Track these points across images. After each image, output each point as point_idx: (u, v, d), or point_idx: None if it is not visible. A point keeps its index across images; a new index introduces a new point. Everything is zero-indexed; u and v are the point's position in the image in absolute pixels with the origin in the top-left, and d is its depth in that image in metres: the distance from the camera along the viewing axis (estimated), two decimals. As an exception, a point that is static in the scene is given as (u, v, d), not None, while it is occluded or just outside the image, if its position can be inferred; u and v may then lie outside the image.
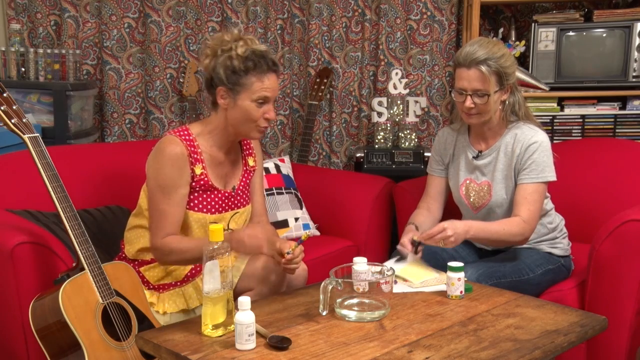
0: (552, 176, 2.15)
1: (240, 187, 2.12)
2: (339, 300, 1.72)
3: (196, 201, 2.01)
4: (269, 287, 2.00)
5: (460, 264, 1.85)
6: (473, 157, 2.26)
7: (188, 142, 1.98)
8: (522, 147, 2.15)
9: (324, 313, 1.70)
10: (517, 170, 2.18)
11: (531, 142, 2.14)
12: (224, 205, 2.06)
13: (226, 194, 2.07)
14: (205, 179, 2.01)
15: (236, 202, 2.10)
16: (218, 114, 2.02)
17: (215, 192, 2.04)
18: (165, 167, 1.95)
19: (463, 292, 1.85)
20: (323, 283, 1.69)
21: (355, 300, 1.74)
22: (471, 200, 2.27)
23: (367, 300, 1.73)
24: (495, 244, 2.17)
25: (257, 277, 2.01)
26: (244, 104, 1.95)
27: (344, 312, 1.71)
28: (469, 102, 2.11)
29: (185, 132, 2.01)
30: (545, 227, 2.26)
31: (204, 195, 2.02)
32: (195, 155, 1.99)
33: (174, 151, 1.95)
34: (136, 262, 2.09)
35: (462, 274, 1.84)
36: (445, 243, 1.98)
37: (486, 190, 2.23)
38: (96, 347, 1.74)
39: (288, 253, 1.91)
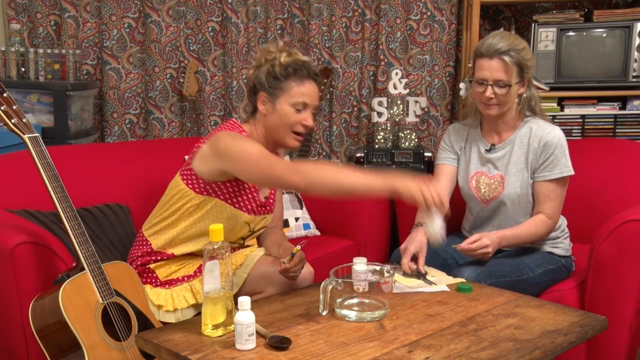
0: (571, 170, 2.18)
1: (271, 196, 2.18)
2: (339, 300, 1.72)
3: (239, 198, 2.04)
4: (278, 290, 2.00)
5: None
6: (486, 150, 2.27)
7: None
8: (540, 142, 2.17)
9: (324, 313, 1.70)
10: (533, 165, 2.19)
11: (549, 137, 2.17)
12: (257, 209, 2.10)
13: (260, 202, 2.11)
14: None
15: (266, 209, 2.15)
16: (257, 121, 2.07)
17: (255, 195, 2.08)
18: (243, 138, 1.96)
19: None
20: (323, 283, 1.69)
21: (355, 300, 1.73)
22: (481, 192, 2.27)
23: (367, 300, 1.73)
24: (522, 245, 2.21)
25: (267, 279, 2.01)
26: (283, 108, 1.99)
27: (344, 312, 1.71)
28: (489, 92, 2.13)
29: (240, 129, 2.05)
30: None
31: (250, 195, 2.06)
32: None
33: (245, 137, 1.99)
34: (153, 257, 2.09)
35: None
36: (482, 254, 2.06)
37: (498, 183, 2.23)
38: (96, 347, 1.74)
39: (283, 263, 1.92)
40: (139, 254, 2.12)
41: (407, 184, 1.76)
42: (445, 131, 2.46)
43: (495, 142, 2.27)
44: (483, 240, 2.06)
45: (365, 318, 1.70)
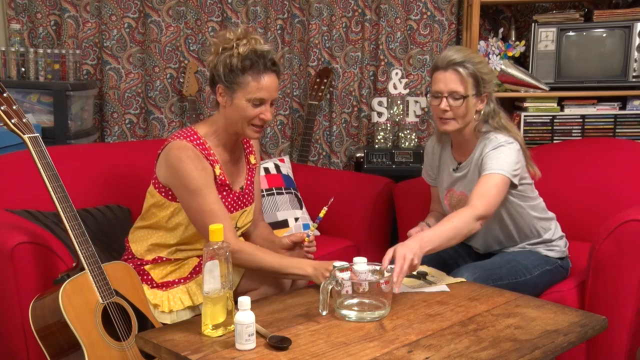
0: (504, 171, 2.01)
1: (247, 186, 2.15)
2: (339, 300, 1.72)
3: None
4: (274, 287, 2.00)
5: (345, 264, 1.81)
6: (453, 170, 2.25)
7: (199, 145, 1.99)
8: (482, 157, 2.09)
9: (324, 313, 1.70)
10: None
11: (487, 151, 2.08)
12: (235, 205, 2.09)
13: (237, 194, 2.09)
14: (223, 178, 2.04)
15: (245, 201, 2.13)
16: (220, 113, 2.04)
17: (230, 192, 2.07)
18: (191, 172, 1.93)
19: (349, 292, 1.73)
20: (323, 283, 1.69)
21: (355, 300, 1.73)
22: (454, 210, 2.26)
23: (367, 301, 1.73)
24: (457, 239, 1.95)
25: (262, 276, 2.01)
26: (240, 103, 1.95)
27: (344, 312, 1.71)
28: (444, 104, 2.08)
29: (195, 136, 2.01)
30: (544, 230, 2.25)
31: (220, 196, 2.04)
32: (211, 157, 2.01)
33: (191, 155, 1.95)
34: (143, 260, 2.09)
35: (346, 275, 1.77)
36: (412, 268, 1.79)
37: (464, 201, 2.20)
38: (96, 347, 1.74)
39: (308, 236, 1.92)
40: (124, 258, 2.15)
41: (310, 273, 1.87)
42: (425, 146, 2.44)
43: (462, 161, 2.23)
44: (391, 251, 1.80)
45: (365, 318, 1.69)
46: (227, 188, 2.06)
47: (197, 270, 2.06)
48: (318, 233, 2.92)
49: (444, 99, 2.08)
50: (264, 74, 1.94)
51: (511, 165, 2.04)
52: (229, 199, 2.06)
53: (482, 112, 2.13)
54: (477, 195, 1.99)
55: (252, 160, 2.20)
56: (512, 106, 3.27)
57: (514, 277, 2.11)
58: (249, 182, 2.16)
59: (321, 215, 1.95)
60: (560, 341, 1.57)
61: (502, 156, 2.05)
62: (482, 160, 2.08)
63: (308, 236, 1.94)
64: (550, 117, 3.07)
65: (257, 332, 1.57)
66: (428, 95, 2.17)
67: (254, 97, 1.94)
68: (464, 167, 2.21)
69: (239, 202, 2.10)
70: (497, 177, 2.01)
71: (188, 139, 1.99)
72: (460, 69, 2.06)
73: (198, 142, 2.00)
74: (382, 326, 1.65)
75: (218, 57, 1.97)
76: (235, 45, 1.94)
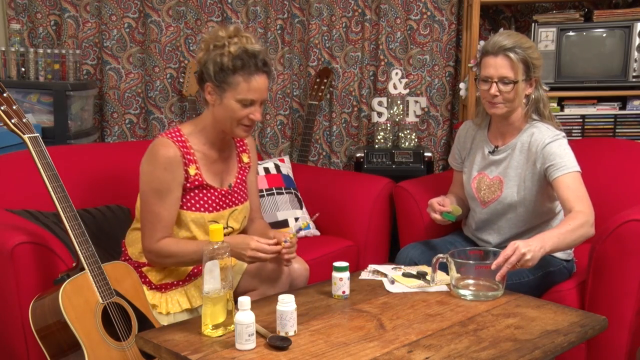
0: (577, 167, 2.09)
1: (237, 184, 2.13)
2: (455, 278, 1.88)
3: (192, 201, 2.01)
4: (273, 287, 2.00)
5: (345, 264, 1.88)
6: (489, 152, 2.27)
7: (180, 143, 1.98)
8: (539, 147, 2.13)
9: (434, 281, 1.92)
10: (535, 171, 2.15)
11: (547, 142, 2.12)
12: (221, 203, 2.06)
13: (223, 192, 2.07)
14: (200, 179, 2.02)
15: (233, 199, 2.10)
16: (208, 111, 2.02)
17: (212, 191, 2.05)
18: (158, 170, 1.94)
19: (346, 293, 1.88)
20: (434, 259, 1.89)
21: (471, 281, 1.89)
22: (481, 194, 2.27)
23: (482, 282, 1.89)
24: (573, 244, 2.02)
25: (261, 277, 2.00)
26: (229, 103, 1.94)
27: (462, 291, 1.87)
28: (494, 90, 2.12)
29: (177, 133, 2.01)
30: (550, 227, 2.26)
31: (200, 195, 2.02)
32: (189, 156, 1.99)
33: (167, 154, 1.94)
34: (139, 263, 2.09)
35: (345, 274, 1.87)
36: (523, 264, 1.84)
37: (497, 186, 2.23)
38: (96, 347, 1.74)
39: (285, 242, 1.91)
40: (122, 260, 2.14)
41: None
42: (458, 129, 2.47)
43: (499, 144, 2.26)
44: (512, 244, 1.85)
45: (481, 297, 1.85)
46: (206, 187, 2.04)
47: (195, 273, 2.06)
48: (317, 231, 2.92)
49: (494, 84, 2.13)
50: (255, 74, 1.92)
51: (575, 159, 2.11)
52: (212, 198, 2.05)
53: (531, 96, 2.18)
54: (574, 199, 2.03)
55: (245, 159, 2.18)
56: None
57: (517, 278, 2.10)
58: (239, 181, 2.14)
59: (302, 225, 1.96)
60: (560, 341, 1.57)
61: (567, 151, 2.11)
62: (543, 154, 2.11)
63: (285, 241, 1.93)
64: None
65: (257, 332, 1.57)
66: (476, 80, 2.22)
67: (244, 98, 1.92)
68: (503, 151, 2.24)
69: (226, 200, 2.08)
70: (577, 175, 2.08)
71: (169, 136, 1.99)
72: (511, 55, 2.10)
73: (179, 139, 1.99)
74: (382, 326, 1.66)
75: (208, 54, 1.94)
76: (226, 43, 1.92)
